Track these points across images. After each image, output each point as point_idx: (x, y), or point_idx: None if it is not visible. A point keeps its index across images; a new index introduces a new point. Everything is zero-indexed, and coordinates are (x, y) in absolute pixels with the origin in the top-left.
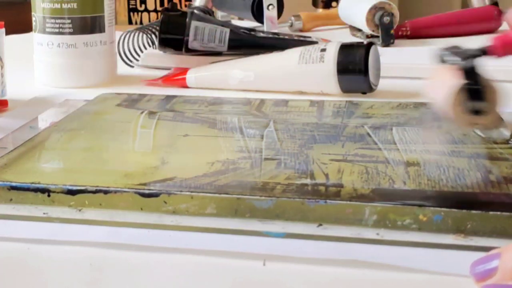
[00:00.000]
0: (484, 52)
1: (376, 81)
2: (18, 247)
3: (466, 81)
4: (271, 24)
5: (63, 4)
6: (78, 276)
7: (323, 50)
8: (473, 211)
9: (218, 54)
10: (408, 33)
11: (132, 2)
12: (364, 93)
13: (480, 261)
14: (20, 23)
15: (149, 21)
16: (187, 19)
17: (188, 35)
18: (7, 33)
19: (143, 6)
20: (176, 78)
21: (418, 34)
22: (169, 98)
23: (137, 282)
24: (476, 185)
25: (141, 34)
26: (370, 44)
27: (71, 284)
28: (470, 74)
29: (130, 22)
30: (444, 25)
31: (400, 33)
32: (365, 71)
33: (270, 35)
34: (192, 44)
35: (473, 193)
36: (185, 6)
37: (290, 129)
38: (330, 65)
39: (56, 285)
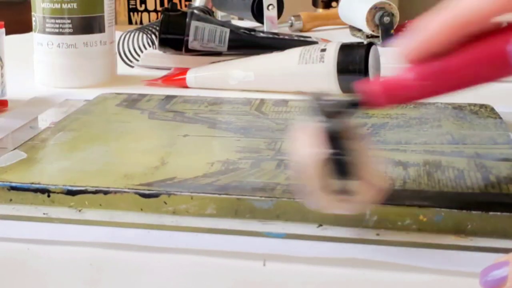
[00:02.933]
0: (358, 103)
1: None
2: (18, 247)
3: (331, 150)
4: (271, 24)
5: (63, 4)
6: (78, 276)
7: (323, 50)
8: (474, 212)
9: (218, 54)
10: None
11: (132, 2)
12: None
13: (489, 270)
14: (20, 23)
15: (149, 21)
16: (187, 19)
17: (188, 35)
18: (7, 33)
19: (143, 6)
20: (176, 78)
21: None
22: (169, 98)
23: (137, 282)
24: (476, 185)
25: (141, 34)
26: (370, 44)
27: (71, 284)
28: (336, 140)
29: (130, 22)
30: None
31: (400, 33)
32: (365, 71)
33: (270, 35)
34: (192, 44)
35: (473, 193)
36: (185, 6)
37: (290, 129)
38: (330, 65)
39: (56, 285)
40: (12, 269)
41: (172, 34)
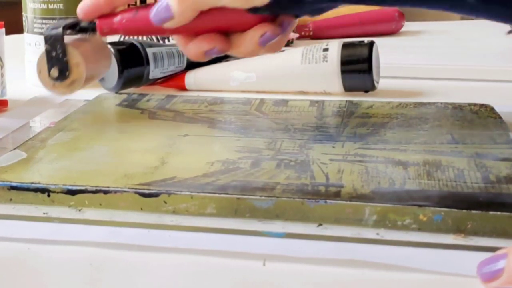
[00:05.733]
0: (89, 27)
1: (377, 79)
2: (18, 247)
3: (46, 47)
4: None
5: (49, 5)
6: (78, 276)
7: (326, 49)
8: (473, 211)
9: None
10: (311, 33)
11: (132, 2)
12: (366, 91)
13: (487, 262)
14: (20, 23)
15: None
16: (140, 49)
17: (148, 64)
18: (7, 33)
19: None
20: (174, 80)
21: (320, 34)
22: (169, 98)
23: (137, 282)
24: (476, 184)
25: None
26: (372, 43)
27: (71, 284)
28: (51, 41)
29: None
30: (346, 25)
31: (303, 33)
32: (369, 69)
33: None
34: (154, 73)
35: (473, 193)
36: None
37: (290, 129)
38: (334, 64)
39: (56, 285)
40: (12, 269)
41: (134, 67)
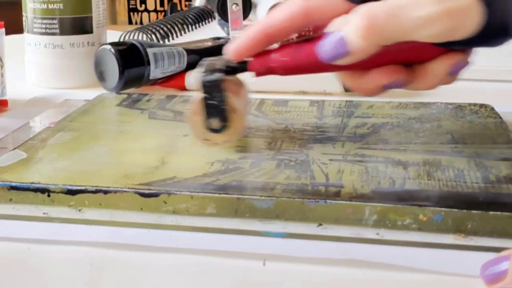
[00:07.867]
0: (240, 67)
1: None
2: (18, 247)
3: (204, 95)
4: (236, 24)
5: (49, 5)
6: (78, 276)
7: None
8: (473, 211)
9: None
10: (311, 33)
11: (132, 2)
12: None
13: (490, 264)
14: (20, 23)
15: (149, 21)
16: (141, 49)
17: (149, 65)
18: (7, 33)
19: (143, 6)
20: (174, 80)
21: (320, 34)
22: (169, 98)
23: (137, 282)
24: (476, 184)
25: (141, 34)
26: None
27: (71, 284)
28: (209, 88)
29: (130, 22)
30: None
31: (303, 33)
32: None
33: (212, 44)
34: (154, 73)
35: (473, 192)
36: (185, 6)
37: (290, 129)
38: None
39: (56, 285)
40: (12, 269)
41: (135, 68)
